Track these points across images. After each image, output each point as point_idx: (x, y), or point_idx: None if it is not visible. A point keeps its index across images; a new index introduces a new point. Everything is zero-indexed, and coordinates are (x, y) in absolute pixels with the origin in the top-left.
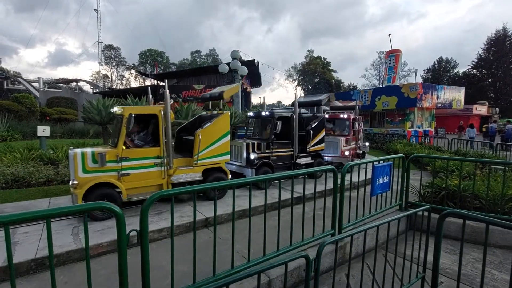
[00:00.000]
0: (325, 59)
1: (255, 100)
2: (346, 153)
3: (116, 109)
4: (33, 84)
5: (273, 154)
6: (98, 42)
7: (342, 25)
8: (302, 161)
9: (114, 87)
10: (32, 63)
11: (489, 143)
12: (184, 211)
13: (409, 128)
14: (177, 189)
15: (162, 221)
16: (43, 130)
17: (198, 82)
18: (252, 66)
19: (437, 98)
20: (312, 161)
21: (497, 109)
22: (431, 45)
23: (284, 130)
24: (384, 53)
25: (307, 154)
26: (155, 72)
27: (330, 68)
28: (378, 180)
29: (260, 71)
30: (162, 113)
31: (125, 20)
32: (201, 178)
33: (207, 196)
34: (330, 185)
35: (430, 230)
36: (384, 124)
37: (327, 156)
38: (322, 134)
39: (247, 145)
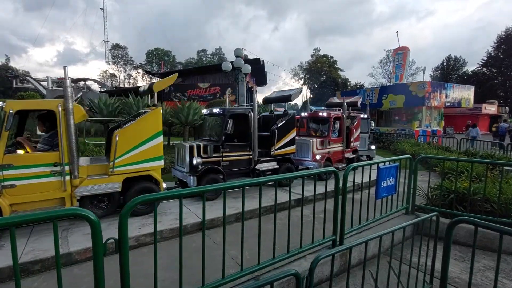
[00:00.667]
0: (331, 57)
1: (260, 98)
2: (318, 157)
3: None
4: (42, 83)
5: (224, 158)
6: (105, 41)
7: (349, 23)
8: (263, 166)
9: (122, 86)
10: (41, 62)
11: (499, 143)
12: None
13: (417, 127)
14: (162, 193)
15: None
16: None
17: (203, 81)
18: (258, 64)
19: (446, 96)
20: (277, 166)
21: (507, 108)
22: (439, 43)
23: (243, 130)
24: (392, 51)
25: (271, 158)
26: (161, 71)
27: (336, 66)
28: (384, 183)
29: (265, 70)
30: (60, 108)
31: (133, 20)
32: (119, 189)
33: (207, 198)
34: (332, 186)
35: (439, 235)
36: (391, 123)
37: (303, 160)
38: (292, 134)
39: (191, 147)
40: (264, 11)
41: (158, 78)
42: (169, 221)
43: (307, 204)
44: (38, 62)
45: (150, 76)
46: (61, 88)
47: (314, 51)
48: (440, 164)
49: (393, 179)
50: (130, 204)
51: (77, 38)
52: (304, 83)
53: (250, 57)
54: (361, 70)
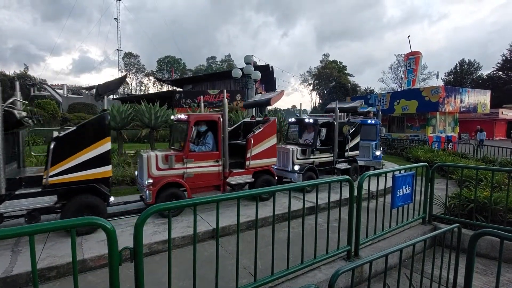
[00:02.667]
0: (341, 63)
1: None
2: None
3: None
4: (57, 90)
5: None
6: (118, 50)
7: (359, 27)
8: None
9: (134, 93)
10: (57, 70)
11: None
12: (192, 220)
13: (430, 133)
14: (173, 203)
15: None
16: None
17: (213, 88)
18: (267, 71)
19: (461, 101)
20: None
21: None
22: (453, 47)
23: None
24: (403, 56)
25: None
26: (172, 78)
27: (346, 72)
28: (399, 191)
29: (274, 76)
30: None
31: (145, 28)
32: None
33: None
34: (345, 194)
35: (460, 247)
36: (403, 129)
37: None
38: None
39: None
40: (273, 17)
41: (169, 85)
42: (181, 228)
43: (320, 212)
44: (54, 70)
45: (161, 83)
46: (75, 96)
47: (323, 56)
48: (457, 172)
49: (409, 187)
50: (144, 214)
51: (92, 47)
52: (313, 89)
53: (259, 63)
54: (371, 75)
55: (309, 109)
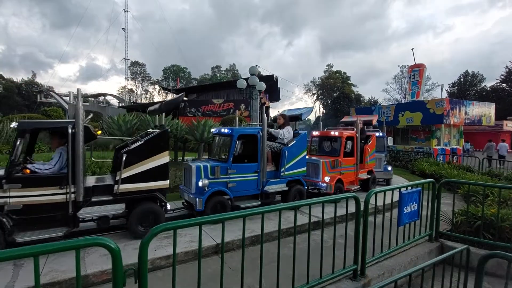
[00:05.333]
0: (344, 73)
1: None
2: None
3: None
4: (64, 97)
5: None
6: (125, 59)
7: (363, 38)
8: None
9: (139, 101)
10: (64, 77)
11: None
12: (195, 234)
13: (435, 145)
14: (181, 221)
15: (171, 246)
16: None
17: (217, 97)
18: (271, 81)
19: (465, 114)
20: (287, 188)
21: None
22: (456, 58)
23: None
24: (407, 67)
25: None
26: (177, 87)
27: (349, 82)
28: (406, 209)
29: (279, 86)
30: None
31: (152, 38)
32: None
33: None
34: (351, 208)
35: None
36: (408, 141)
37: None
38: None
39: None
40: (278, 28)
41: (174, 94)
42: (184, 243)
43: (325, 227)
44: (61, 77)
45: (166, 91)
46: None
47: (327, 67)
48: (463, 186)
49: (416, 204)
50: (151, 233)
51: (99, 55)
52: (317, 99)
53: (264, 73)
54: (375, 86)
55: (312, 118)
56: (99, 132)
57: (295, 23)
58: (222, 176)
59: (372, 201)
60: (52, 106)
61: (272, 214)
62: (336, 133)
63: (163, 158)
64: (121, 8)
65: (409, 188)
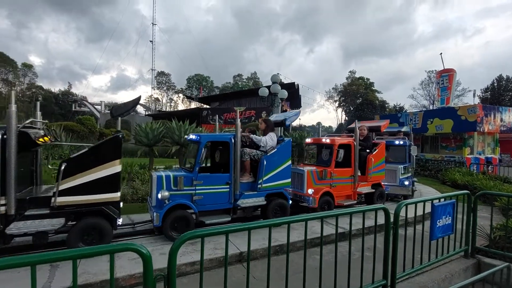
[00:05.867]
0: (368, 79)
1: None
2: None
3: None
4: (96, 106)
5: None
6: (152, 70)
7: (388, 44)
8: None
9: (164, 109)
10: (96, 88)
11: None
12: (220, 242)
13: (468, 154)
14: (208, 229)
15: (196, 252)
16: None
17: (239, 105)
18: (292, 88)
19: (501, 120)
20: (264, 202)
21: None
22: (488, 62)
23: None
24: (435, 72)
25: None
26: (200, 95)
27: (373, 88)
28: (439, 222)
29: (300, 93)
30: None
31: (177, 49)
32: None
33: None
34: (380, 220)
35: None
36: (438, 150)
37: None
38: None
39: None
40: (300, 36)
41: (197, 102)
42: (209, 250)
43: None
44: (94, 87)
45: (190, 100)
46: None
47: (349, 73)
48: (500, 199)
49: (450, 218)
50: (181, 240)
51: (129, 66)
52: (339, 106)
53: (285, 81)
54: (400, 92)
55: (334, 126)
56: (47, 138)
57: (316, 30)
58: (186, 188)
59: (402, 213)
60: (85, 114)
61: (297, 224)
62: (328, 140)
63: (113, 168)
64: (150, 22)
65: (442, 200)
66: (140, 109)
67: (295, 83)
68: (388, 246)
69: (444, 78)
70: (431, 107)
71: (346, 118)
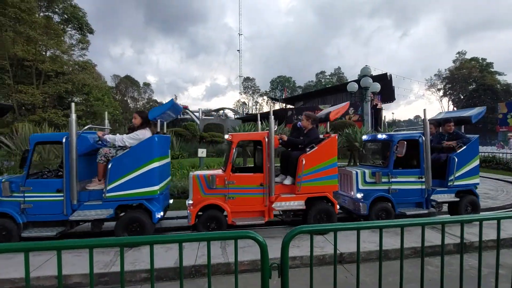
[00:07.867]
0: (483, 60)
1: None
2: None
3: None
4: (195, 113)
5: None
6: (239, 76)
7: (508, 12)
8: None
9: (250, 112)
10: (195, 97)
11: None
12: (316, 240)
13: None
14: (317, 226)
15: (294, 248)
16: (202, 152)
17: (324, 103)
18: (384, 80)
19: None
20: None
21: None
22: None
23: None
24: None
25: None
26: (283, 96)
27: (492, 70)
28: None
29: (393, 85)
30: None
31: (260, 54)
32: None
33: None
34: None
35: None
36: None
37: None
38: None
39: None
40: (390, 19)
41: (281, 103)
42: (306, 248)
43: (472, 252)
44: (193, 97)
45: (274, 101)
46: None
47: (457, 55)
48: None
49: None
50: (292, 233)
51: (219, 75)
52: (444, 95)
53: (374, 73)
54: None
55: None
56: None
57: (410, 9)
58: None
59: None
60: (188, 121)
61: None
62: (227, 136)
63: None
64: (236, 33)
65: None
66: (230, 113)
67: (387, 74)
68: None
69: None
70: None
71: (455, 108)
